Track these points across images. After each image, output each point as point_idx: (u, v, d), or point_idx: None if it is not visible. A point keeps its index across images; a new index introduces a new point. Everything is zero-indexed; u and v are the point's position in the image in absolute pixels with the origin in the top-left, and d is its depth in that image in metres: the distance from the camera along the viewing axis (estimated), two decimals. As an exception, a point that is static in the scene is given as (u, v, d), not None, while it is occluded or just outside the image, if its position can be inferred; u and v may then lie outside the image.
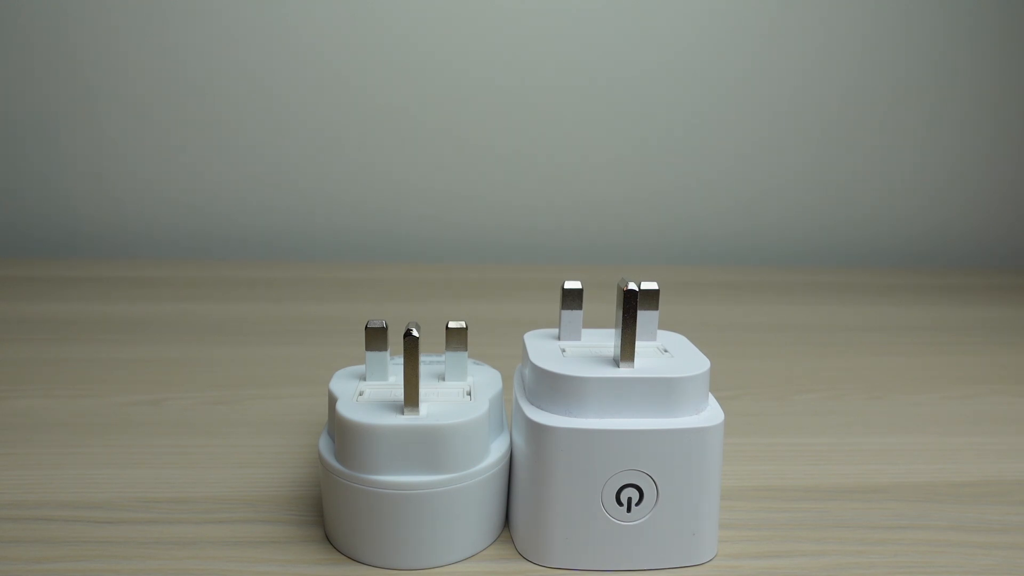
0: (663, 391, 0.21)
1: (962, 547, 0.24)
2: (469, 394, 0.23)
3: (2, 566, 0.21)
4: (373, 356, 0.24)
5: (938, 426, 0.34)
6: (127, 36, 0.60)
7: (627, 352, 0.22)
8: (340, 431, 0.21)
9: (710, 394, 0.23)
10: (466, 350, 0.24)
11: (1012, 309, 0.54)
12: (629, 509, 0.22)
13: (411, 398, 0.21)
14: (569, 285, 0.24)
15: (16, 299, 0.50)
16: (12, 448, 0.29)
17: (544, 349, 0.23)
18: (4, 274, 0.56)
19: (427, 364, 0.25)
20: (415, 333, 0.21)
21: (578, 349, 0.24)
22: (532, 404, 0.22)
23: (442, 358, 0.25)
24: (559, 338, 0.25)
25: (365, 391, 0.23)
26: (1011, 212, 0.71)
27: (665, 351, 0.24)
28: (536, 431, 0.22)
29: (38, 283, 0.54)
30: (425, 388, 0.23)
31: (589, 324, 0.45)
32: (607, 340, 0.25)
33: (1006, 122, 0.68)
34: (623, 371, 0.22)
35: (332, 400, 0.22)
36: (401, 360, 0.25)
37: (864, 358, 0.43)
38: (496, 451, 0.23)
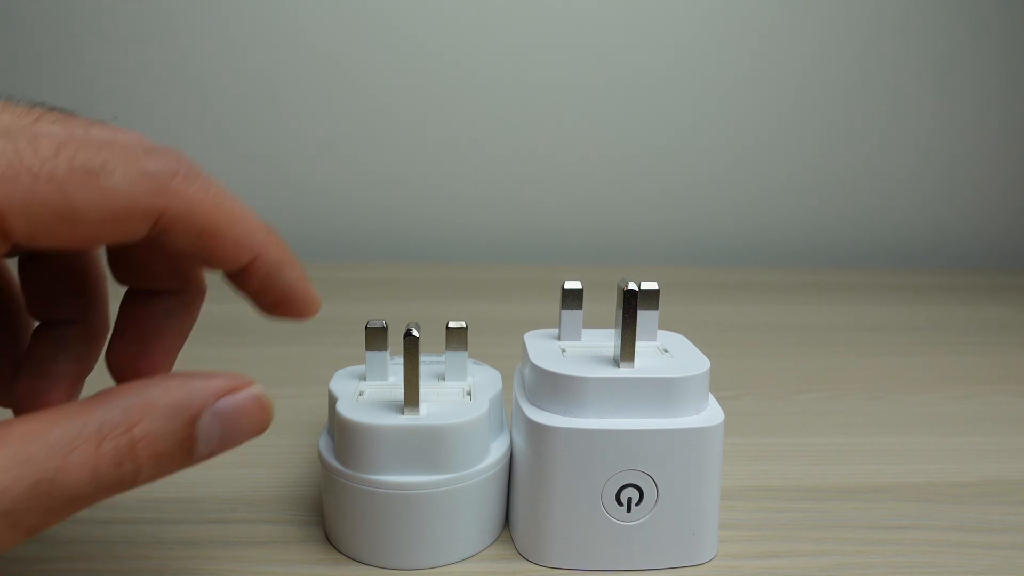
0: (663, 391, 0.21)
1: (962, 547, 0.24)
2: (469, 394, 0.23)
3: (2, 566, 0.21)
4: (373, 356, 0.24)
5: (938, 426, 0.34)
6: (127, 36, 0.60)
7: (627, 352, 0.22)
8: (340, 431, 0.21)
9: (710, 394, 0.23)
10: (466, 350, 0.24)
11: (1012, 309, 0.54)
12: (629, 509, 0.22)
13: (411, 398, 0.21)
14: (569, 285, 0.24)
15: (16, 299, 0.49)
16: (12, 448, 0.29)
17: (544, 349, 0.23)
18: (4, 274, 0.56)
19: (427, 364, 0.25)
20: (415, 333, 0.21)
21: (578, 349, 0.24)
22: (532, 404, 0.22)
23: (442, 358, 0.25)
24: (559, 338, 0.25)
25: (365, 391, 0.23)
26: (1011, 212, 0.71)
27: (665, 351, 0.24)
28: (536, 431, 0.22)
29: (38, 283, 0.53)
30: (425, 388, 0.23)
31: (589, 324, 0.45)
32: (607, 340, 0.25)
33: (1006, 122, 0.68)
34: (623, 371, 0.22)
35: (332, 400, 0.22)
36: (401, 360, 0.25)
37: (864, 358, 0.43)
38: (496, 451, 0.23)
